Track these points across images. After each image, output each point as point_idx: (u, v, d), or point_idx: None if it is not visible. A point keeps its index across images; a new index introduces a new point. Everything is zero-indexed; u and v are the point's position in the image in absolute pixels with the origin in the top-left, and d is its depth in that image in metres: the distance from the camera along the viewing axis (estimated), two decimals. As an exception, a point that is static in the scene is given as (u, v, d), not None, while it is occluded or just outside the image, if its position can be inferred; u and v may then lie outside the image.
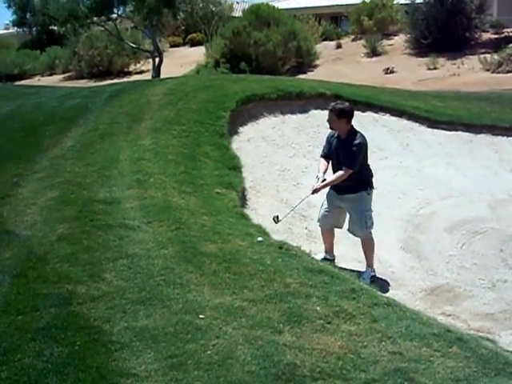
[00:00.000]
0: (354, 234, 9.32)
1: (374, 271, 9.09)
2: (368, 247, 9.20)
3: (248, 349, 5.35)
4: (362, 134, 8.93)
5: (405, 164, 14.07)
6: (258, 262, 7.25)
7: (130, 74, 42.72)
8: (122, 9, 33.95)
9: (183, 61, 41.87)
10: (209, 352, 5.29)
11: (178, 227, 8.14)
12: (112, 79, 39.19)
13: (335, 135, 9.11)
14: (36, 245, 7.74)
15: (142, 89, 16.36)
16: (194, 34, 50.54)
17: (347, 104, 9.14)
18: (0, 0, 66.30)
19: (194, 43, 49.81)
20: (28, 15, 66.01)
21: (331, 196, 9.27)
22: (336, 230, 9.59)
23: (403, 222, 11.40)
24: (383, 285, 8.85)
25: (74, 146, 12.10)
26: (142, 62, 42.75)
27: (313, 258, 8.28)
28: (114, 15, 34.11)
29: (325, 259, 9.14)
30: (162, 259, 7.17)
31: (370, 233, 9.17)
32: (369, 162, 9.18)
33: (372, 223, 9.14)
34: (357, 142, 8.76)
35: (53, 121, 14.50)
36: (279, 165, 12.81)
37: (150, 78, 32.91)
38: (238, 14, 48.35)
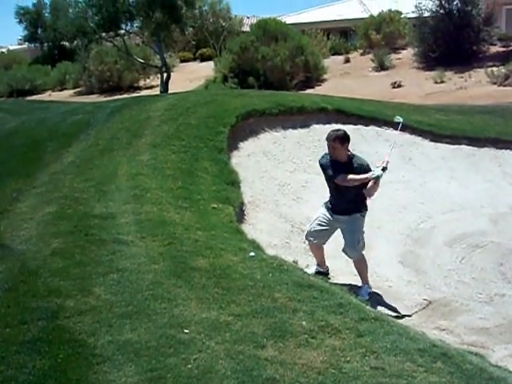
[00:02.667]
0: (347, 255, 9.27)
1: (370, 287, 9.06)
2: (361, 267, 9.16)
3: (229, 363, 5.36)
4: (360, 156, 9.03)
5: (407, 178, 14.03)
6: (248, 277, 7.26)
7: (139, 89, 42.87)
8: (129, 25, 34.13)
9: (193, 76, 42.02)
10: (189, 366, 5.31)
11: (170, 242, 8.16)
12: (122, 94, 39.35)
13: (330, 159, 9.06)
14: (29, 259, 7.78)
15: (143, 104, 16.42)
16: (204, 49, 50.77)
17: (342, 129, 9.20)
18: (12, 15, 66.87)
19: (203, 58, 50.04)
20: (39, 31, 67.09)
21: (327, 213, 9.24)
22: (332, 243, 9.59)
23: (403, 236, 11.39)
24: (378, 299, 8.85)
25: (74, 162, 12.18)
26: (151, 78, 42.93)
27: (305, 272, 8.30)
28: (122, 31, 34.27)
29: (318, 272, 9.14)
30: (152, 274, 7.19)
31: (361, 253, 9.12)
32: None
33: (363, 244, 9.08)
34: (363, 162, 8.88)
35: (55, 136, 14.61)
36: (279, 180, 12.81)
37: (158, 93, 33.04)
38: (247, 28, 48.47)
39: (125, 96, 35.61)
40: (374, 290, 9.09)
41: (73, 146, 13.34)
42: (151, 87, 41.70)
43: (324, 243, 9.42)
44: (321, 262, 9.50)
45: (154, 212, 9.31)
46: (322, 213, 9.29)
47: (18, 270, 7.51)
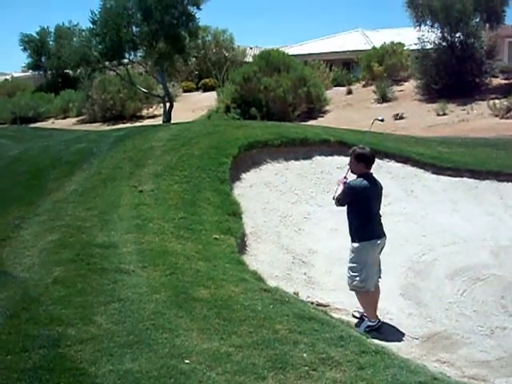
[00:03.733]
0: None
1: (373, 322, 8.92)
2: (359, 300, 9.11)
3: (229, 394, 5.35)
4: (365, 180, 8.95)
5: (408, 210, 14.04)
6: (249, 308, 7.26)
7: (142, 118, 42.94)
8: (133, 54, 34.24)
9: (196, 106, 42.13)
10: (190, 397, 5.30)
11: (172, 272, 8.18)
12: (124, 123, 39.44)
13: None
14: (31, 287, 7.80)
15: (146, 134, 16.49)
16: (207, 80, 50.96)
17: (367, 149, 9.22)
18: (16, 42, 67.31)
19: (206, 88, 50.17)
20: (43, 58, 67.56)
21: None
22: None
23: (404, 269, 11.36)
24: (379, 331, 8.83)
25: (77, 190, 12.22)
26: (154, 107, 42.96)
27: (305, 304, 8.27)
28: (126, 60, 34.39)
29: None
30: (153, 304, 7.19)
31: (359, 287, 8.95)
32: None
33: (359, 280, 8.87)
34: (352, 182, 8.98)
35: (58, 164, 14.69)
36: (281, 211, 12.82)
37: (161, 122, 33.12)
38: (250, 59, 48.63)
39: (128, 125, 35.79)
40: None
41: (76, 174, 13.40)
42: (154, 116, 41.73)
43: None
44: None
45: (156, 242, 9.34)
46: None
47: (19, 297, 7.52)
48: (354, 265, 8.90)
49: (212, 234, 10.14)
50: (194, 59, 46.37)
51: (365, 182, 8.92)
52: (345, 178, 9.18)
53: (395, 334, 8.86)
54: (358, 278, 8.87)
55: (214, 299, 7.44)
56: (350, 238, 9.06)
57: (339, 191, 9.03)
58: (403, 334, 8.89)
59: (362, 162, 8.96)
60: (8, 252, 9.32)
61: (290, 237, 11.86)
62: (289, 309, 7.48)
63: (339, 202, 9.02)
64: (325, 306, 9.18)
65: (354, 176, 9.12)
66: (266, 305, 7.46)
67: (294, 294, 8.96)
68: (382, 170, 15.30)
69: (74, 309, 7.06)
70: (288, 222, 12.52)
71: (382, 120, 9.94)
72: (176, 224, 10.24)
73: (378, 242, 9.01)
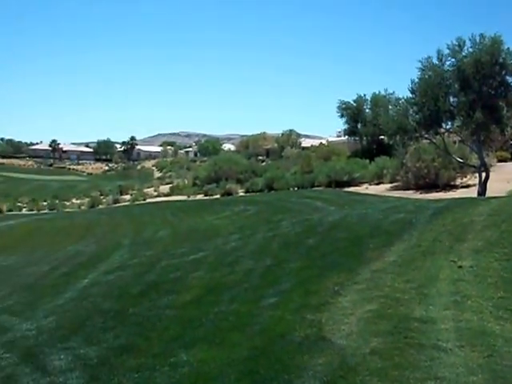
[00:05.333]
0: None
1: None
2: None
3: None
4: None
5: None
6: None
7: (455, 187, 42.64)
8: (450, 123, 34.18)
9: (510, 176, 41.17)
10: None
11: (490, 354, 8.04)
12: (438, 192, 39.48)
13: None
14: (349, 355, 8.06)
15: (465, 207, 16.32)
16: (523, 150, 49.75)
17: None
18: (333, 109, 70.52)
19: (523, 159, 48.99)
20: (359, 125, 69.89)
21: None
22: None
23: None
24: None
25: (396, 261, 12.41)
26: (468, 177, 42.58)
27: None
28: (442, 129, 34.41)
29: None
30: (471, 386, 7.14)
31: None
32: None
33: None
34: None
35: (376, 233, 15.01)
36: None
37: (475, 193, 32.69)
38: None
39: (441, 194, 35.72)
40: None
41: (395, 244, 13.61)
42: (467, 186, 41.28)
43: None
44: None
45: (474, 321, 9.22)
46: None
47: (337, 364, 7.81)
48: None
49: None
50: (509, 129, 45.47)
51: None
52: None
53: None
54: None
55: (531, 387, 7.26)
56: None
57: None
58: None
59: None
60: (327, 317, 9.70)
61: None
62: None
63: None
64: None
65: None
66: None
67: None
68: None
69: (390, 382, 7.19)
70: None
71: None
72: (495, 303, 10.04)
73: None
